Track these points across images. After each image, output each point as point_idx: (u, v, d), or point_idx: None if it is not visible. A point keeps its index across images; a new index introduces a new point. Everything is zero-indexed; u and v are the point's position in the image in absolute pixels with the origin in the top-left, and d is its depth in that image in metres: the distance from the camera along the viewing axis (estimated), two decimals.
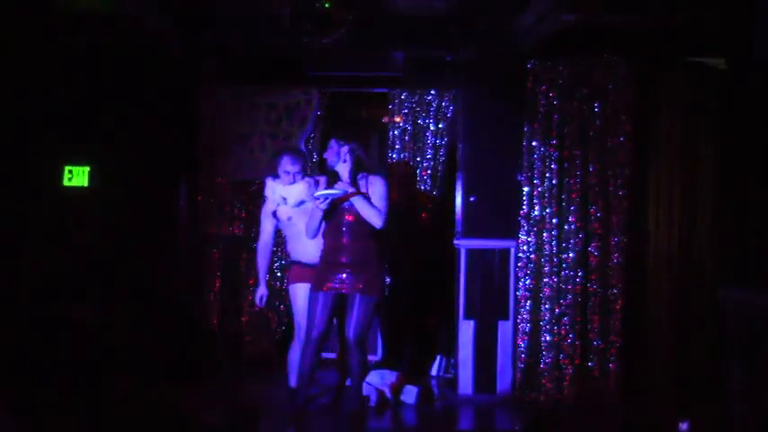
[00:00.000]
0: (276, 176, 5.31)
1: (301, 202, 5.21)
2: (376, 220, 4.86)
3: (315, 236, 5.01)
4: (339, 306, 4.99)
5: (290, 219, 5.25)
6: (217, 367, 6.50)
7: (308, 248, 5.18)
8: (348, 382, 5.28)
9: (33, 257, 5.59)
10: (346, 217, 4.90)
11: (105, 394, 5.15)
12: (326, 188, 4.81)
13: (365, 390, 5.35)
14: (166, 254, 6.72)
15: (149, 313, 6.21)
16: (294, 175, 5.22)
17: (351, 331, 4.87)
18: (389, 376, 5.72)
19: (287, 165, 5.22)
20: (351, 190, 4.86)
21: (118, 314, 5.93)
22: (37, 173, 5.74)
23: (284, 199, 5.24)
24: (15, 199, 5.54)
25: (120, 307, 5.99)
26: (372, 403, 5.49)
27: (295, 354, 5.21)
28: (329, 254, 4.94)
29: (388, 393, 5.60)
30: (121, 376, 5.49)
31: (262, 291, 5.36)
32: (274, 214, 5.30)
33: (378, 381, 5.67)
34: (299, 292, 5.20)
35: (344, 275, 4.88)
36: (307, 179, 5.24)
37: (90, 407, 4.89)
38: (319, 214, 4.84)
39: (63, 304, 5.66)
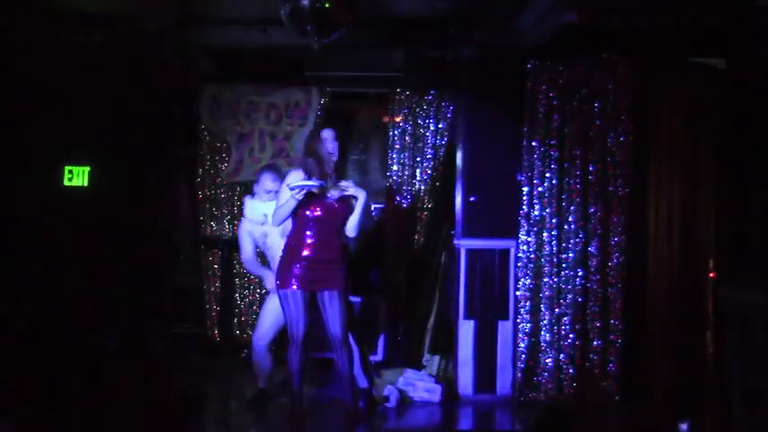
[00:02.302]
0: (252, 195, 5.38)
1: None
2: (354, 225, 4.88)
3: (281, 224, 4.93)
4: (312, 303, 4.92)
5: (266, 246, 5.32)
6: (217, 367, 6.50)
7: None
8: (364, 384, 5.38)
9: (33, 257, 5.58)
10: (321, 214, 4.83)
11: (104, 394, 5.15)
12: (304, 179, 4.77)
13: (386, 390, 5.50)
14: (166, 254, 6.72)
15: (149, 313, 6.21)
16: (275, 193, 5.20)
17: (336, 328, 4.83)
18: (413, 376, 5.76)
19: (268, 184, 5.26)
20: (325, 183, 4.82)
21: (118, 314, 5.93)
22: (37, 173, 5.73)
23: (265, 216, 5.25)
24: (15, 199, 5.53)
25: (120, 307, 5.99)
26: (392, 404, 5.50)
27: (259, 356, 5.38)
28: (294, 249, 4.84)
29: (410, 393, 5.64)
30: (120, 376, 5.49)
31: (271, 280, 5.22)
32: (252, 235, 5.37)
33: (401, 381, 5.71)
34: (272, 298, 5.32)
35: (313, 273, 4.80)
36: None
37: (89, 407, 4.90)
38: (293, 204, 4.74)
39: (63, 304, 5.65)
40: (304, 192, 4.71)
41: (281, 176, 5.35)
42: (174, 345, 6.56)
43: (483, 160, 5.86)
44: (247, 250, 5.39)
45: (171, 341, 6.52)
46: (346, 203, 4.89)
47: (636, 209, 5.77)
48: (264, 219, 5.26)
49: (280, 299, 4.89)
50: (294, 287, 4.80)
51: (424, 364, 6.28)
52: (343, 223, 4.90)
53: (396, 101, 6.71)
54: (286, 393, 5.37)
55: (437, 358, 6.26)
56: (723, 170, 5.65)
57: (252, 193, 5.45)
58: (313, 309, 4.90)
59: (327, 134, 4.95)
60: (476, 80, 5.91)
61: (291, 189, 4.71)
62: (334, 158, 4.92)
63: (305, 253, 4.82)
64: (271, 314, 5.32)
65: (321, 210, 4.83)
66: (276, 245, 5.21)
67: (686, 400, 5.47)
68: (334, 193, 4.84)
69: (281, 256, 4.92)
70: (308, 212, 4.83)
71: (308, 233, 4.84)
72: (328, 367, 5.81)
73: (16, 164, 5.54)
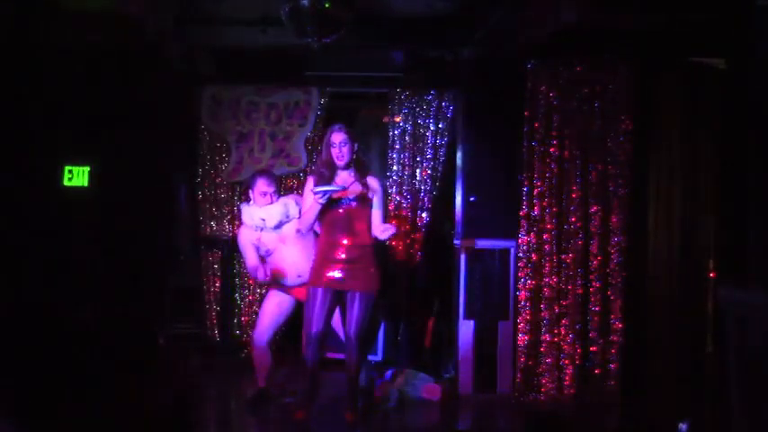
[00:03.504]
0: (248, 201, 5.31)
1: (280, 224, 5.20)
2: (379, 227, 4.88)
3: (309, 230, 5.06)
4: (338, 304, 4.98)
5: (269, 252, 5.26)
6: (217, 367, 6.50)
7: (289, 273, 5.25)
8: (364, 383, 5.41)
9: (33, 258, 5.59)
10: (342, 213, 4.87)
11: (105, 395, 5.15)
12: (322, 185, 4.79)
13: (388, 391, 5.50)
14: (166, 254, 6.72)
15: (149, 313, 6.21)
16: (271, 195, 5.20)
17: (352, 328, 4.86)
18: (413, 376, 5.76)
19: (263, 186, 5.19)
20: (348, 187, 4.85)
21: (118, 314, 5.93)
22: (37, 173, 5.74)
23: (263, 220, 5.19)
24: (15, 199, 5.53)
25: (120, 307, 5.99)
26: (392, 404, 5.50)
27: (259, 354, 5.34)
28: (326, 251, 4.92)
29: (410, 393, 5.64)
30: (121, 377, 5.49)
31: (260, 269, 5.18)
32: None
33: (401, 381, 5.70)
34: (271, 296, 5.38)
35: (342, 272, 4.86)
36: (283, 198, 5.27)
37: (89, 407, 4.90)
38: (317, 208, 4.81)
39: (63, 304, 5.65)
40: (327, 196, 4.74)
41: (275, 178, 5.42)
42: (175, 345, 6.56)
43: (483, 160, 5.87)
44: (251, 257, 5.29)
45: (171, 341, 6.52)
46: (366, 203, 4.90)
47: (636, 209, 5.77)
48: (263, 224, 5.21)
49: (307, 296, 4.95)
50: (320, 288, 4.87)
51: (425, 364, 6.27)
52: (360, 220, 4.89)
53: (396, 101, 6.71)
54: (286, 393, 5.39)
55: (437, 358, 6.26)
56: (723, 170, 5.65)
57: (247, 200, 5.38)
58: (341, 306, 4.98)
59: (334, 138, 4.87)
60: (476, 80, 5.91)
61: (315, 194, 4.75)
62: (340, 162, 4.86)
63: (333, 254, 4.88)
64: (270, 311, 5.33)
65: (344, 211, 4.86)
66: (280, 249, 5.23)
67: (686, 400, 5.47)
68: (350, 195, 4.88)
69: (314, 258, 5.00)
70: (332, 214, 4.87)
71: (334, 235, 4.89)
72: (328, 367, 5.81)
73: (16, 164, 5.54)
